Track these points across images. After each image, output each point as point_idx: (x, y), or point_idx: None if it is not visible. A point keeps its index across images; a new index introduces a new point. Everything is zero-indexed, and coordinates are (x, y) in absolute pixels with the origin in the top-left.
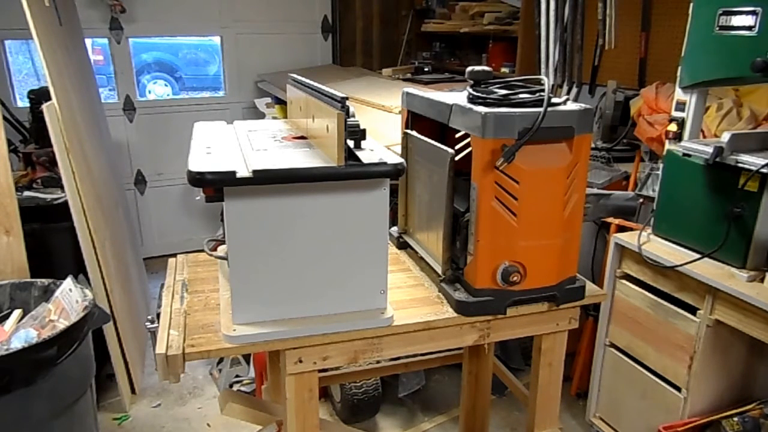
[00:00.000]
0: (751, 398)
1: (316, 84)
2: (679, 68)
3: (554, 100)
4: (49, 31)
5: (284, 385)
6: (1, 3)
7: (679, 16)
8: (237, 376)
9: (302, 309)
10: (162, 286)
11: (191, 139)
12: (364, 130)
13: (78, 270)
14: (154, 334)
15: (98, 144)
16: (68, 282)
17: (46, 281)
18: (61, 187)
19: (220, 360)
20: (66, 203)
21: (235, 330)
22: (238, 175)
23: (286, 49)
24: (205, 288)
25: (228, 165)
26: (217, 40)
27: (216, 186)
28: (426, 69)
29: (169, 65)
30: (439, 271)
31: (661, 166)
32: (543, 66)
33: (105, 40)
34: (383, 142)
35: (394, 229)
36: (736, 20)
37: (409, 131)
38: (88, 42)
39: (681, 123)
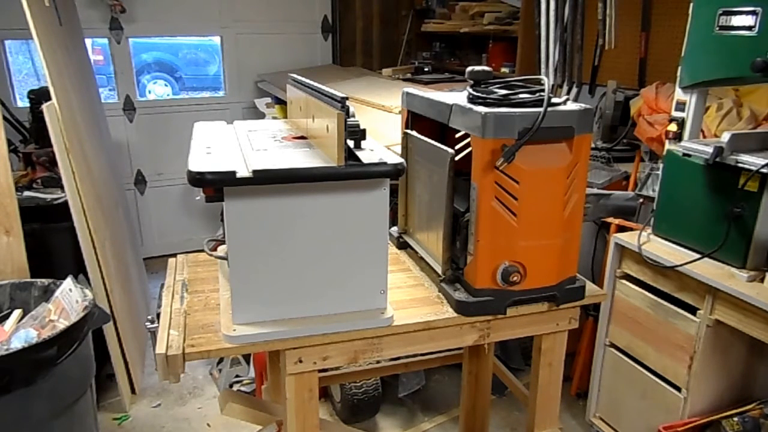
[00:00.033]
0: (751, 398)
1: (316, 84)
2: (679, 68)
3: (554, 100)
4: (49, 31)
5: (284, 385)
6: (1, 3)
7: (679, 16)
8: (237, 376)
9: (302, 309)
10: (162, 286)
11: (191, 139)
12: (364, 130)
13: (78, 270)
14: (154, 334)
15: (98, 144)
16: (68, 282)
17: (46, 281)
18: (61, 187)
19: (220, 360)
20: (66, 203)
21: (235, 330)
22: (238, 175)
23: (286, 49)
24: (205, 288)
25: (228, 165)
26: (217, 40)
27: (216, 186)
28: (426, 69)
29: (169, 65)
30: (439, 271)
31: (661, 166)
32: (543, 66)
33: (105, 40)
34: (383, 142)
35: (394, 229)
36: (736, 20)
37: (409, 131)
38: (88, 42)
39: (681, 123)
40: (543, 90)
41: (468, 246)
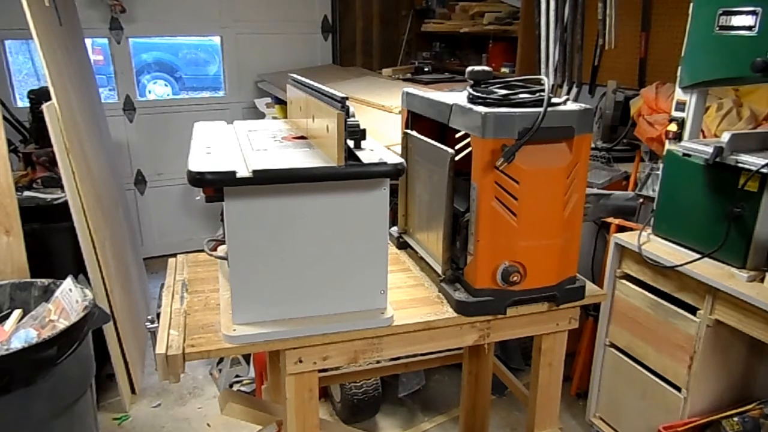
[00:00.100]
0: (751, 398)
1: (316, 84)
2: (679, 68)
3: (554, 100)
4: (49, 31)
5: (284, 385)
6: (1, 3)
7: (679, 16)
8: (237, 376)
9: (302, 309)
10: (162, 286)
11: (191, 139)
12: (364, 130)
13: (78, 270)
14: (154, 334)
15: (98, 144)
16: (68, 282)
17: (46, 281)
18: (61, 187)
19: (220, 360)
20: (66, 203)
21: (235, 330)
22: (238, 175)
23: (286, 49)
24: (205, 288)
25: (228, 165)
26: (217, 40)
27: (216, 186)
28: (426, 69)
29: (169, 65)
30: (439, 271)
31: (661, 166)
32: (543, 66)
33: (105, 40)
34: (383, 142)
35: (394, 229)
36: (736, 20)
37: (409, 131)
38: (88, 42)
39: (681, 123)
40: (543, 90)
41: (468, 246)
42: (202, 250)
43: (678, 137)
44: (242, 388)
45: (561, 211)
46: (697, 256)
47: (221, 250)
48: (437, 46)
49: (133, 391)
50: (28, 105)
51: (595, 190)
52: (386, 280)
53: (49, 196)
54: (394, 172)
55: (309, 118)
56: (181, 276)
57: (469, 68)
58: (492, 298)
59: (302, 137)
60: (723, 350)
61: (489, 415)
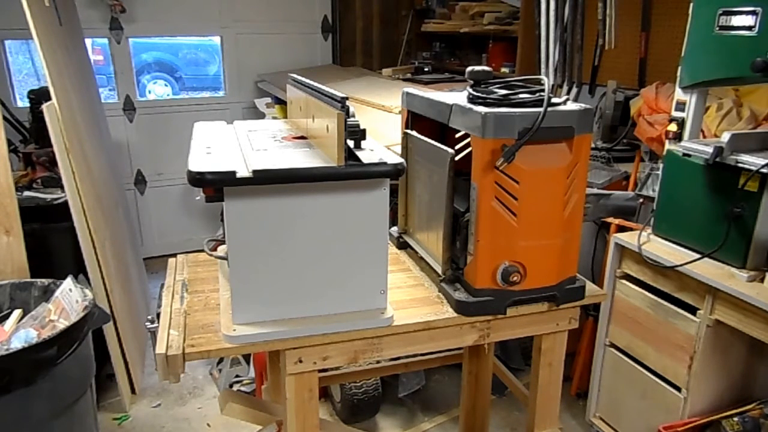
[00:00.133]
0: (751, 398)
1: (316, 84)
2: (679, 68)
3: (554, 100)
4: (49, 31)
5: (284, 385)
6: (1, 3)
7: (679, 16)
8: (237, 376)
9: (302, 309)
10: (162, 286)
11: (191, 139)
12: (364, 130)
13: (78, 270)
14: (154, 334)
15: (98, 144)
16: (68, 282)
17: (46, 281)
18: (61, 187)
19: (220, 360)
20: (66, 203)
21: (235, 330)
22: (238, 175)
23: (286, 49)
24: (205, 288)
25: (228, 165)
26: (217, 40)
27: (216, 186)
28: (426, 69)
29: (169, 65)
30: (439, 271)
31: (661, 166)
32: (543, 66)
33: (105, 40)
34: (383, 142)
35: (394, 229)
36: (736, 20)
37: (409, 131)
38: (88, 42)
39: (681, 123)
40: (543, 90)
41: (468, 246)
42: (202, 250)
43: (678, 137)
44: (242, 388)
45: (561, 211)
46: (697, 256)
47: (221, 250)
48: (437, 46)
49: (133, 391)
50: (28, 105)
51: (595, 190)
52: (386, 280)
53: (49, 196)
54: (394, 172)
55: (309, 118)
56: (181, 276)
57: (469, 68)
58: (492, 298)
59: (302, 137)
60: (723, 350)
61: (489, 415)
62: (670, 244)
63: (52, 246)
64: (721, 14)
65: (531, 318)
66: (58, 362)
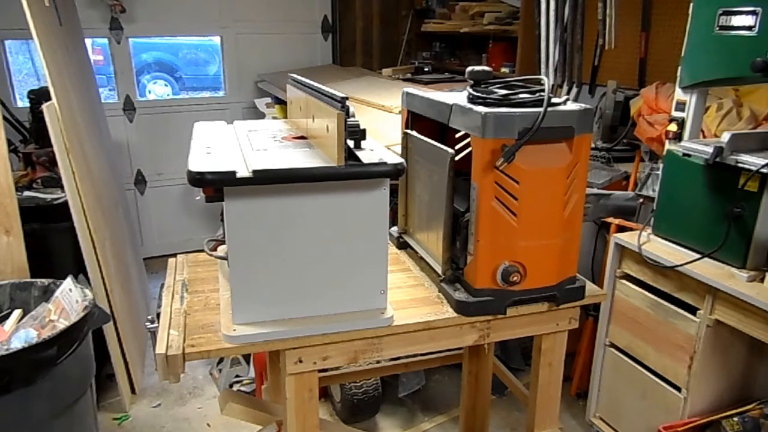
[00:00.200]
0: (751, 398)
1: (316, 84)
2: (679, 68)
3: (554, 100)
4: (49, 31)
5: (284, 385)
6: (1, 3)
7: (679, 16)
8: (237, 376)
9: (302, 309)
10: (162, 286)
11: (191, 139)
12: (364, 130)
13: (78, 270)
14: (154, 334)
15: (98, 144)
16: (68, 282)
17: (46, 281)
18: (61, 187)
19: (220, 360)
20: (66, 203)
21: (235, 330)
22: (238, 175)
23: (286, 49)
24: (205, 288)
25: (228, 165)
26: (217, 40)
27: (216, 186)
28: (426, 69)
29: (169, 65)
30: (439, 271)
31: (661, 166)
32: (543, 66)
33: (105, 40)
34: (383, 142)
35: (394, 229)
36: (736, 20)
37: (409, 131)
38: (88, 42)
39: (681, 123)
40: (543, 90)
41: (468, 246)
42: (202, 250)
43: (678, 137)
44: (242, 388)
45: (561, 211)
46: (697, 256)
47: (221, 250)
48: (437, 46)
49: (133, 391)
50: (28, 105)
51: (595, 190)
52: (386, 280)
53: (49, 196)
54: (394, 172)
55: (309, 118)
56: (181, 276)
57: (469, 68)
58: (492, 298)
59: (302, 137)
60: (723, 350)
61: (489, 415)
62: (670, 244)
63: (52, 246)
64: (721, 14)
65: (531, 318)
66: (58, 362)
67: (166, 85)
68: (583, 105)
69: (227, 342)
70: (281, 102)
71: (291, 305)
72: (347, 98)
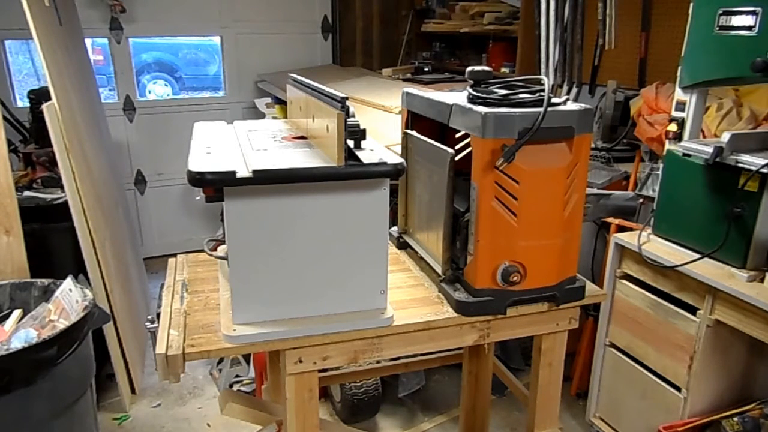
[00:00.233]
0: (751, 398)
1: (316, 84)
2: (679, 68)
3: (554, 100)
4: (49, 31)
5: (284, 385)
6: (1, 3)
7: (679, 16)
8: (237, 376)
9: (302, 309)
10: (162, 286)
11: (191, 139)
12: (364, 130)
13: (78, 270)
14: (154, 334)
15: (98, 144)
16: (68, 282)
17: (46, 281)
18: (61, 187)
19: (220, 360)
20: (66, 203)
21: (235, 330)
22: (238, 175)
23: (286, 49)
24: (205, 288)
25: (228, 165)
26: (217, 40)
27: (216, 186)
28: (426, 69)
29: (169, 65)
30: (439, 271)
31: (661, 166)
32: (543, 66)
33: (105, 40)
34: (383, 142)
35: (394, 229)
36: (736, 20)
37: (409, 131)
38: (88, 42)
39: (681, 123)
40: (543, 90)
41: (468, 246)
42: (202, 250)
43: (678, 137)
44: (242, 388)
45: (561, 211)
46: (697, 256)
47: (221, 250)
48: (437, 46)
49: (133, 391)
50: (28, 105)
51: (595, 190)
52: (386, 280)
53: (49, 196)
54: (394, 172)
55: (309, 118)
56: (181, 276)
57: (469, 68)
58: (492, 298)
59: (302, 137)
60: (723, 350)
61: (489, 415)
62: (670, 244)
63: (52, 246)
64: (721, 14)
65: (531, 318)
66: (58, 362)
67: (166, 85)
68: (583, 105)
69: (227, 342)
70: (281, 102)
71: (291, 305)
72: (347, 98)
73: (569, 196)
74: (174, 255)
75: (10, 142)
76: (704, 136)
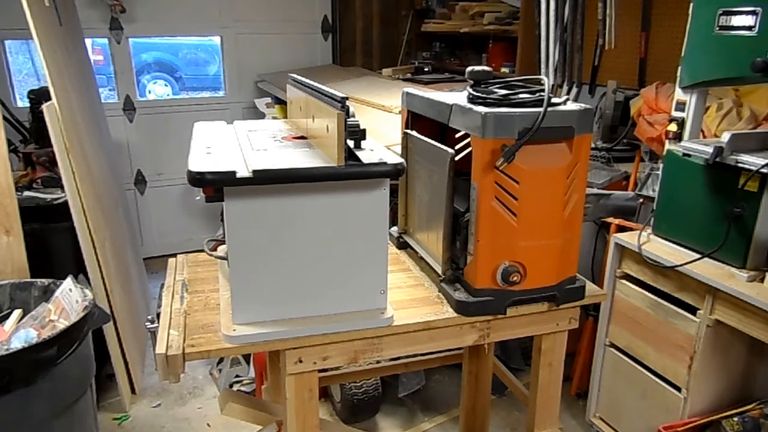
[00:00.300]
0: (751, 398)
1: (316, 84)
2: (679, 68)
3: (554, 100)
4: (49, 31)
5: (284, 385)
6: (1, 3)
7: (679, 16)
8: (237, 376)
9: (302, 309)
10: (162, 286)
11: (191, 139)
12: (364, 130)
13: (78, 270)
14: (154, 334)
15: (98, 144)
16: (68, 282)
17: (46, 281)
18: (61, 187)
19: (220, 360)
20: (66, 203)
21: (235, 330)
22: (238, 175)
23: (286, 49)
24: (205, 288)
25: (228, 165)
26: (217, 40)
27: (216, 186)
28: (426, 69)
29: (169, 65)
30: (439, 271)
31: (661, 166)
32: (543, 66)
33: (105, 40)
34: (383, 142)
35: (394, 229)
36: (736, 20)
37: (409, 131)
38: (88, 42)
39: (681, 123)
40: (543, 90)
41: (468, 246)
42: (202, 250)
43: (678, 137)
44: (242, 388)
45: (561, 211)
46: (697, 256)
47: (221, 250)
48: (437, 46)
49: (133, 391)
50: (28, 105)
51: (595, 190)
52: (386, 280)
53: (49, 196)
54: (394, 172)
55: (309, 118)
56: (181, 276)
57: (469, 68)
58: (492, 298)
59: (302, 137)
60: (723, 350)
61: (489, 415)
62: (670, 244)
63: (52, 246)
64: (721, 14)
65: (531, 318)
66: (58, 362)
67: (166, 85)
68: (583, 105)
69: (227, 342)
70: (281, 102)
71: (291, 305)
72: (347, 98)
73: (569, 196)
74: (174, 255)
75: (10, 142)
76: (704, 136)
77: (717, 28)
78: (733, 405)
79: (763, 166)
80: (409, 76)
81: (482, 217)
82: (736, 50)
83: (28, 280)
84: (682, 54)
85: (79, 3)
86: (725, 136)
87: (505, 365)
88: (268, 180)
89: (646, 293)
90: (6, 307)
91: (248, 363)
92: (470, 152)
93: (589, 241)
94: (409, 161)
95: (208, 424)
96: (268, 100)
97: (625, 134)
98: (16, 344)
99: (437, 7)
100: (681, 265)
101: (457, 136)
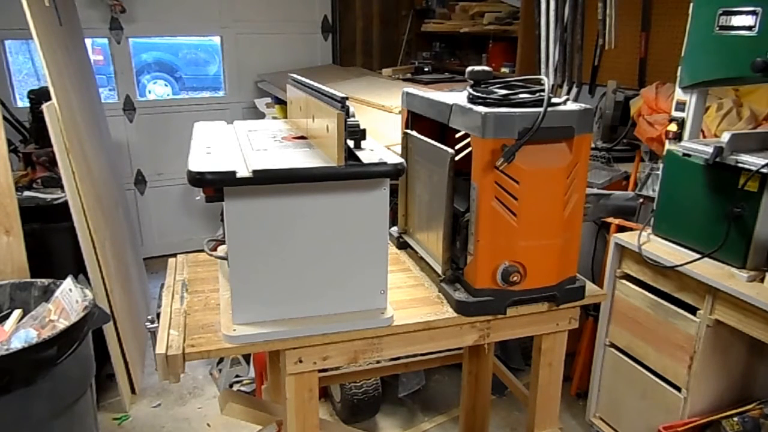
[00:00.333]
0: (751, 398)
1: (316, 84)
2: (679, 68)
3: (554, 100)
4: (49, 31)
5: (284, 385)
6: (1, 3)
7: (679, 16)
8: (237, 376)
9: (302, 309)
10: (162, 286)
11: (191, 139)
12: (364, 130)
13: (78, 270)
14: (154, 334)
15: (98, 144)
16: (68, 282)
17: (46, 281)
18: (61, 187)
19: (220, 360)
20: (66, 203)
21: (235, 330)
22: (238, 175)
23: (286, 49)
24: (205, 288)
25: (228, 165)
26: (217, 40)
27: (216, 186)
28: (426, 69)
29: (169, 65)
30: (439, 271)
31: (661, 166)
32: (543, 66)
33: (105, 40)
34: (383, 142)
35: (394, 229)
36: (736, 20)
37: (409, 131)
38: (88, 42)
39: (681, 123)
40: (543, 90)
41: (468, 246)
42: (202, 250)
43: (678, 137)
44: (242, 388)
45: (561, 211)
46: (697, 256)
47: (221, 250)
48: (437, 46)
49: (133, 391)
50: (28, 105)
51: (595, 190)
52: (386, 280)
53: (49, 196)
54: (394, 172)
55: (309, 118)
56: (181, 276)
57: (469, 68)
58: (492, 298)
59: (302, 137)
60: (723, 350)
61: (489, 415)
62: (670, 244)
63: (52, 246)
64: (721, 14)
65: (531, 318)
66: (58, 362)
67: (166, 85)
68: (583, 105)
69: (227, 342)
70: (281, 102)
71: (291, 305)
72: (347, 98)
73: (569, 196)
74: (174, 255)
75: (10, 142)
76: (704, 136)
77: (717, 28)
78: (733, 405)
79: (763, 166)
80: (409, 76)
81: (482, 217)
82: (736, 50)
83: (28, 280)
84: (682, 54)
85: (79, 3)
86: (725, 136)
87: (505, 365)
88: (268, 180)
89: (646, 293)
90: (6, 307)
91: (248, 363)
92: (470, 152)
93: (589, 241)
94: (409, 161)
95: (208, 424)
96: (268, 100)
97: (625, 134)
98: (16, 344)
99: (437, 7)
100: (681, 265)
101: (457, 136)
